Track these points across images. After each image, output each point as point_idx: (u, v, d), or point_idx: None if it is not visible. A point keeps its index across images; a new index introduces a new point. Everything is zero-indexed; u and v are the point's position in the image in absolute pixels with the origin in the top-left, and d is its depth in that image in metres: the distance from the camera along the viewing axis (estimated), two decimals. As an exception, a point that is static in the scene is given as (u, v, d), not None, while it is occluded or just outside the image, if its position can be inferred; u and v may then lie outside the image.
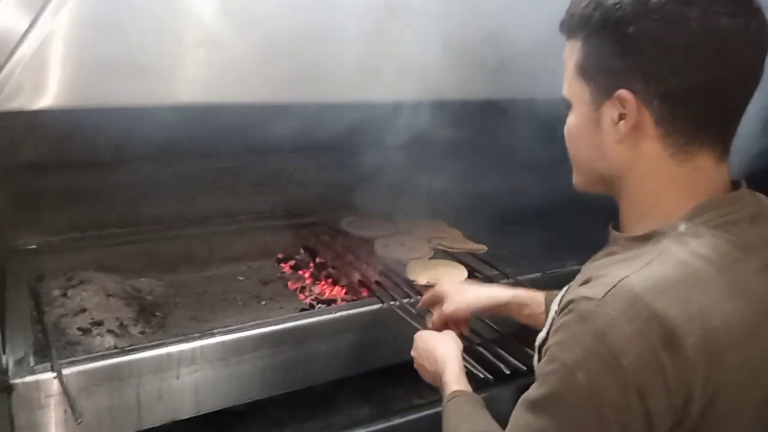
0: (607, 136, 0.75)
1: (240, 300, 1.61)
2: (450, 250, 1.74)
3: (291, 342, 1.30)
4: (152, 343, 1.20)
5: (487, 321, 1.36)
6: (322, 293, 1.63)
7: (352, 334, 1.37)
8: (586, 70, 0.75)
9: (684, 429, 0.67)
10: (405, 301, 1.41)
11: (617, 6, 0.69)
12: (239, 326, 1.28)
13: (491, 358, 1.21)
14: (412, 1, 1.24)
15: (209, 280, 1.71)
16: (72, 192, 1.63)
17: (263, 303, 1.60)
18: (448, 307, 1.22)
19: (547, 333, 0.82)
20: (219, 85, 1.16)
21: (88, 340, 1.29)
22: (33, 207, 1.59)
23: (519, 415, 0.74)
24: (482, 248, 1.75)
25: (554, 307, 0.86)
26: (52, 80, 1.00)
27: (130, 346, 1.21)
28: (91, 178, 1.66)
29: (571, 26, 0.76)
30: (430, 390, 1.53)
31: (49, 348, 1.17)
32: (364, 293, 1.53)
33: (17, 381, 1.05)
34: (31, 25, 0.96)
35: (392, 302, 1.40)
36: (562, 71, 0.81)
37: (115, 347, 1.26)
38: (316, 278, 1.70)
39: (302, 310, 1.52)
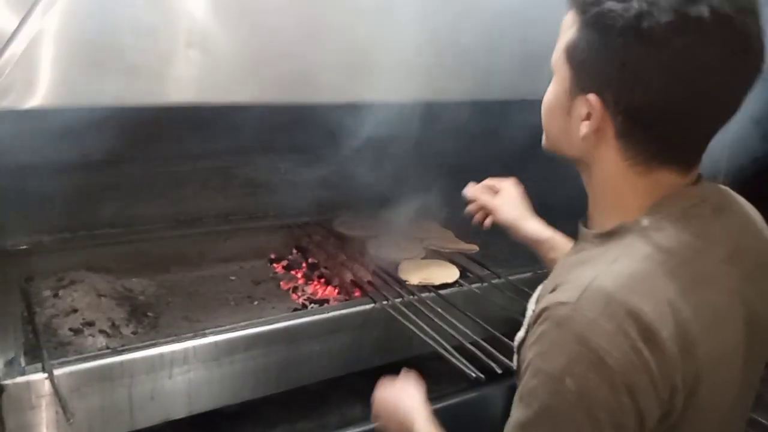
0: (574, 128, 0.76)
1: (232, 300, 1.61)
2: (442, 250, 1.75)
3: (284, 342, 1.31)
4: (144, 344, 1.20)
5: (478, 320, 1.36)
6: (314, 293, 1.63)
7: (344, 334, 1.37)
8: (573, 58, 0.75)
9: (671, 420, 0.68)
10: (397, 300, 1.41)
11: (611, 13, 0.68)
12: (232, 326, 1.28)
13: (483, 357, 1.21)
14: (406, 0, 1.24)
15: (201, 280, 1.71)
16: (63, 192, 1.62)
17: (255, 303, 1.60)
18: (495, 219, 1.26)
19: (526, 333, 0.82)
20: (210, 85, 1.15)
21: (80, 341, 1.28)
22: (23, 207, 1.58)
23: None
24: (474, 248, 1.76)
25: (530, 306, 0.86)
26: (42, 79, 0.99)
27: (122, 346, 1.21)
28: (82, 178, 1.65)
29: (574, 1, 0.74)
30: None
31: (40, 349, 1.16)
32: (357, 293, 1.54)
33: (8, 382, 1.05)
34: (21, 24, 0.96)
35: (384, 302, 1.41)
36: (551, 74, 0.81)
37: (107, 347, 1.26)
38: (308, 278, 1.70)
39: (295, 310, 1.52)
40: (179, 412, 1.22)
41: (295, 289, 1.66)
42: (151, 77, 1.08)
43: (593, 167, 0.78)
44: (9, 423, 1.05)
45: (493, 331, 1.32)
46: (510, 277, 1.55)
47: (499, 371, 1.18)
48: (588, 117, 0.74)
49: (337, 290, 1.61)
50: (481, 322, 1.36)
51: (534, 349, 0.70)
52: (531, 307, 0.85)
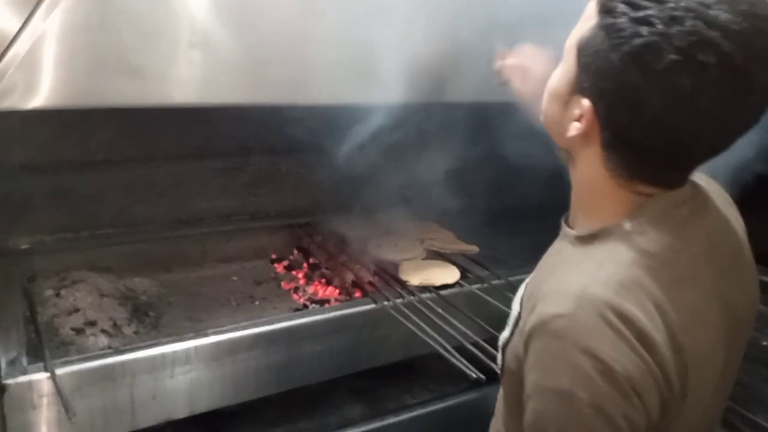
0: (566, 122, 0.76)
1: (234, 300, 1.61)
2: (442, 251, 1.75)
3: (285, 342, 1.31)
4: (146, 343, 1.20)
5: (479, 321, 1.37)
6: (315, 293, 1.63)
7: (345, 334, 1.38)
8: (581, 55, 0.72)
9: (667, 418, 0.69)
10: (398, 301, 1.42)
11: (621, 32, 0.66)
12: (233, 326, 1.28)
13: (483, 358, 1.21)
14: (406, 3, 1.24)
15: (203, 280, 1.71)
16: (65, 192, 1.63)
17: (257, 303, 1.61)
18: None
19: (511, 333, 0.83)
20: (213, 86, 1.16)
21: (82, 340, 1.29)
22: (25, 207, 1.59)
23: None
24: (474, 249, 1.76)
25: (515, 306, 0.85)
26: (44, 80, 1.00)
27: (124, 346, 1.21)
28: (84, 177, 1.66)
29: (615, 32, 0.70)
30: (422, 390, 1.55)
31: (42, 348, 1.17)
32: (358, 294, 1.54)
33: (10, 381, 1.05)
34: (24, 25, 0.96)
35: (385, 303, 1.41)
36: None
37: (109, 347, 1.26)
38: (309, 278, 1.71)
39: (296, 310, 1.53)
40: (181, 411, 1.23)
41: (296, 290, 1.66)
42: (154, 78, 1.09)
43: (578, 163, 0.78)
44: (11, 422, 1.06)
45: (493, 331, 1.32)
46: (510, 278, 1.55)
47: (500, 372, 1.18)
48: (579, 119, 0.73)
49: (338, 290, 1.62)
50: (481, 322, 1.36)
51: (536, 370, 0.69)
52: (516, 306, 0.84)
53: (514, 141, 1.32)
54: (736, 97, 0.65)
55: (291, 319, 1.34)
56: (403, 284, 1.52)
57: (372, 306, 1.41)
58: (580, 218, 0.80)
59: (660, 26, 0.63)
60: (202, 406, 1.25)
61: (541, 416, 0.69)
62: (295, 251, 1.87)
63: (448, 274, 1.57)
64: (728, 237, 0.81)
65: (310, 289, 1.65)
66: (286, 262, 1.82)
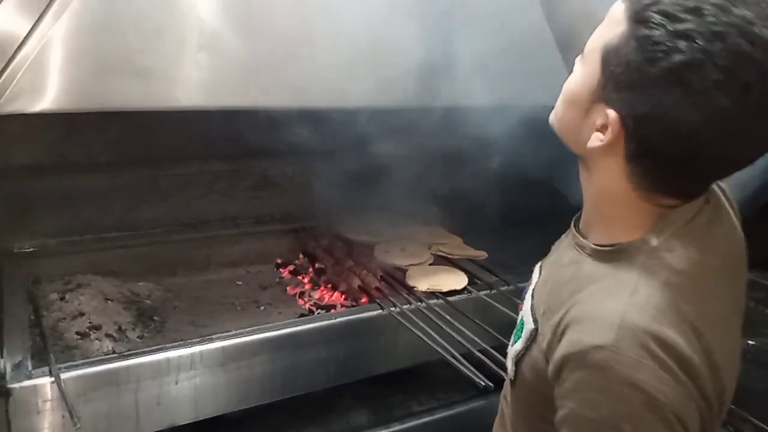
0: (586, 130, 0.73)
1: (238, 305, 1.61)
2: (450, 256, 1.74)
3: (290, 348, 1.30)
4: (151, 348, 1.19)
5: (487, 328, 1.35)
6: (321, 299, 1.62)
7: (351, 340, 1.37)
8: (608, 64, 0.69)
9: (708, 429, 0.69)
10: (405, 307, 1.40)
11: (659, 47, 0.62)
12: (239, 331, 1.27)
13: (492, 365, 1.20)
14: (414, 5, 1.24)
15: (208, 284, 1.70)
16: (70, 195, 1.63)
17: (262, 308, 1.60)
18: None
19: (525, 347, 0.80)
20: (219, 89, 1.15)
21: (86, 345, 1.28)
22: (30, 210, 1.58)
23: None
24: (482, 255, 1.75)
25: (528, 317, 0.82)
26: (51, 83, 1.00)
27: (129, 350, 1.21)
28: (89, 181, 1.66)
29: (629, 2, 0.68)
30: (429, 397, 1.54)
31: (46, 352, 1.16)
32: (364, 299, 1.53)
33: (14, 385, 1.04)
34: (33, 29, 0.96)
35: (392, 308, 1.40)
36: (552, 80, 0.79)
37: (114, 352, 1.25)
38: (315, 283, 1.70)
39: (301, 315, 1.51)
40: (185, 417, 1.22)
41: (301, 295, 1.65)
42: (161, 80, 1.09)
43: (595, 172, 0.76)
44: (15, 427, 1.05)
45: (501, 338, 1.30)
46: (519, 284, 1.53)
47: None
48: (602, 129, 0.70)
49: (344, 296, 1.60)
50: (489, 329, 1.34)
51: (575, 399, 0.68)
52: (529, 319, 0.82)
53: (524, 146, 1.31)
54: None
55: (296, 324, 1.33)
56: (410, 290, 1.51)
57: (379, 312, 1.40)
58: (597, 228, 0.78)
59: (701, 42, 0.60)
60: (207, 411, 1.24)
61: None
62: (301, 256, 1.86)
63: (456, 280, 1.56)
64: (737, 239, 0.80)
65: (316, 295, 1.64)
66: (291, 267, 1.81)
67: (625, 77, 0.67)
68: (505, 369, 1.17)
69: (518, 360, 0.83)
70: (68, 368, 1.10)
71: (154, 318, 1.47)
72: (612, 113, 0.68)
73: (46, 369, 1.09)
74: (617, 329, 0.65)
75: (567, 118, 0.77)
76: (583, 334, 0.68)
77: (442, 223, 1.93)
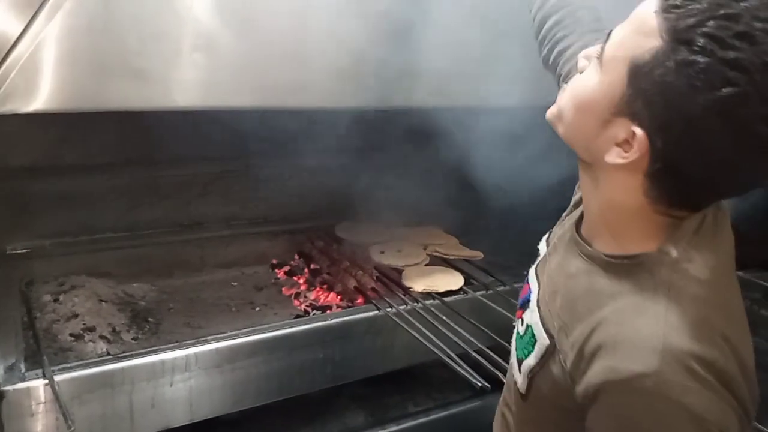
0: (602, 142, 0.69)
1: (234, 306, 1.60)
2: (446, 257, 1.74)
3: (286, 349, 1.29)
4: (145, 350, 1.19)
5: (483, 328, 1.35)
6: (317, 299, 1.62)
7: (347, 341, 1.36)
8: (637, 79, 0.65)
9: None
10: (401, 308, 1.40)
11: (702, 75, 0.59)
12: (234, 333, 1.26)
13: (488, 366, 1.20)
14: (410, 8, 1.24)
15: (203, 285, 1.70)
16: (64, 196, 1.62)
17: (257, 309, 1.59)
18: None
19: (540, 363, 0.78)
20: (215, 89, 1.15)
21: (80, 347, 1.27)
22: (25, 211, 1.57)
23: None
24: (478, 255, 1.75)
25: (542, 334, 0.79)
26: (46, 83, 0.99)
27: (123, 352, 1.20)
28: (84, 182, 1.65)
29: (666, 16, 0.63)
30: (426, 398, 1.54)
31: (40, 354, 1.15)
32: (360, 300, 1.52)
33: (8, 388, 1.04)
34: (26, 28, 0.95)
35: (388, 309, 1.39)
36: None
37: (108, 354, 1.24)
38: (311, 284, 1.69)
39: (297, 316, 1.51)
40: (180, 419, 1.21)
41: (297, 296, 1.65)
42: (156, 81, 1.08)
43: (605, 182, 0.73)
44: (9, 430, 1.04)
45: (498, 339, 1.31)
46: (515, 285, 1.53)
47: (505, 380, 1.16)
48: (623, 145, 0.67)
49: (339, 297, 1.60)
50: (486, 330, 1.34)
51: (617, 425, 0.67)
52: (542, 334, 0.79)
53: (520, 145, 1.31)
54: None
55: (292, 325, 1.32)
56: (406, 290, 1.50)
57: (374, 313, 1.39)
58: (604, 237, 0.75)
59: (754, 74, 0.58)
60: (202, 413, 1.23)
61: None
62: (297, 256, 1.85)
63: (452, 281, 1.56)
64: (731, 235, 0.79)
65: (312, 295, 1.64)
66: (287, 268, 1.80)
67: (660, 98, 0.63)
68: (501, 369, 1.18)
69: (533, 375, 0.80)
70: (62, 370, 1.09)
71: (149, 319, 1.47)
72: (639, 131, 0.65)
73: (39, 371, 1.08)
74: (660, 354, 0.63)
75: (579, 125, 0.73)
76: (622, 360, 0.66)
77: (438, 224, 1.93)
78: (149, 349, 1.19)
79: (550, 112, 0.79)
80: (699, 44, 0.59)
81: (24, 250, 1.58)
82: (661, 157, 0.65)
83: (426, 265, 1.68)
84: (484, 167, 1.54)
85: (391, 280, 1.56)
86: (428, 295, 1.49)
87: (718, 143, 0.61)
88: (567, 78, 0.89)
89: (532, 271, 0.89)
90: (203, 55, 1.10)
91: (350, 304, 1.53)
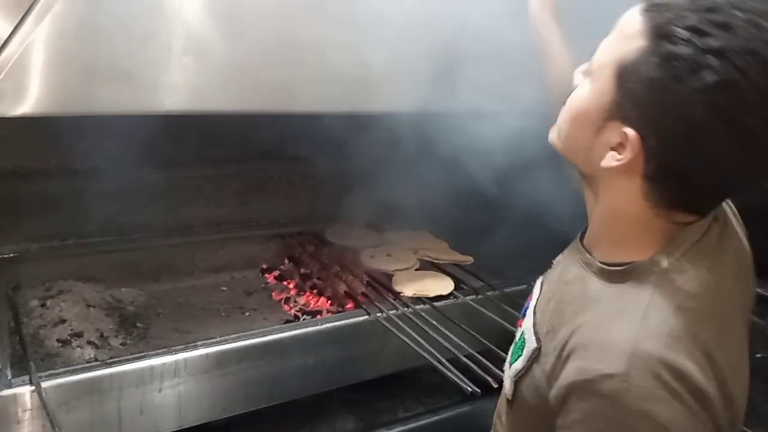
0: (598, 149, 0.70)
1: (223, 311, 1.59)
2: (436, 261, 1.74)
3: (276, 354, 1.29)
4: (134, 356, 1.17)
5: (473, 333, 1.35)
6: (307, 304, 1.61)
7: (337, 346, 1.36)
8: (625, 81, 0.66)
9: None
10: (391, 312, 1.40)
11: (686, 66, 0.60)
12: (223, 338, 1.26)
13: (478, 370, 1.20)
14: (401, 10, 1.24)
15: (192, 290, 1.68)
16: (52, 199, 1.60)
17: (247, 314, 1.58)
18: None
19: (526, 367, 0.78)
20: (205, 93, 1.14)
21: (68, 352, 1.26)
22: (11, 214, 1.56)
23: None
24: (468, 260, 1.75)
25: (531, 337, 0.80)
26: (34, 86, 0.98)
27: (111, 358, 1.19)
28: (72, 185, 1.63)
29: (649, 19, 0.64)
30: (416, 402, 1.53)
31: (27, 360, 1.14)
32: (350, 305, 1.52)
33: (-6, 394, 1.02)
34: (14, 31, 0.94)
35: (378, 314, 1.39)
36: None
37: (96, 359, 1.23)
38: (301, 289, 1.68)
39: (287, 321, 1.50)
40: (169, 426, 1.20)
41: (287, 300, 1.64)
42: (145, 84, 1.07)
43: (605, 191, 0.73)
44: (-6, 437, 1.03)
45: (488, 343, 1.31)
46: (505, 289, 1.54)
47: (495, 385, 1.16)
48: (618, 148, 0.68)
49: (330, 301, 1.60)
50: (476, 334, 1.35)
51: (580, 429, 0.66)
52: (531, 338, 0.79)
53: (511, 150, 1.31)
54: None
55: (282, 330, 1.32)
56: (396, 295, 1.50)
57: (365, 317, 1.39)
58: (604, 245, 0.76)
59: (737, 60, 0.58)
60: (191, 419, 1.22)
61: None
62: (287, 261, 1.84)
63: (443, 285, 1.56)
64: (744, 250, 0.78)
65: (302, 300, 1.63)
66: (277, 272, 1.79)
67: (647, 95, 0.64)
68: (491, 374, 1.18)
69: (518, 379, 0.80)
70: (49, 376, 1.08)
71: (137, 324, 1.45)
72: (631, 132, 0.65)
73: (26, 377, 1.06)
74: (629, 357, 0.63)
75: (575, 136, 0.74)
76: (591, 361, 0.65)
77: (428, 228, 1.93)
78: (138, 355, 1.17)
79: (551, 134, 0.80)
80: (680, 36, 0.60)
81: (11, 255, 1.56)
82: (656, 155, 0.65)
83: (416, 269, 1.68)
84: (474, 172, 1.55)
85: (382, 285, 1.56)
86: (419, 299, 1.49)
87: (709, 135, 0.61)
88: None
89: (539, 280, 0.89)
90: (193, 59, 1.09)
91: (340, 309, 1.53)
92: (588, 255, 0.77)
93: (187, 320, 1.51)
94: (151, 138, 1.58)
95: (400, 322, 1.35)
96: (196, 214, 1.83)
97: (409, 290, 1.52)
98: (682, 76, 0.60)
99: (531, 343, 0.79)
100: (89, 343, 1.29)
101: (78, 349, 1.27)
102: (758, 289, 0.81)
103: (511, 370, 0.83)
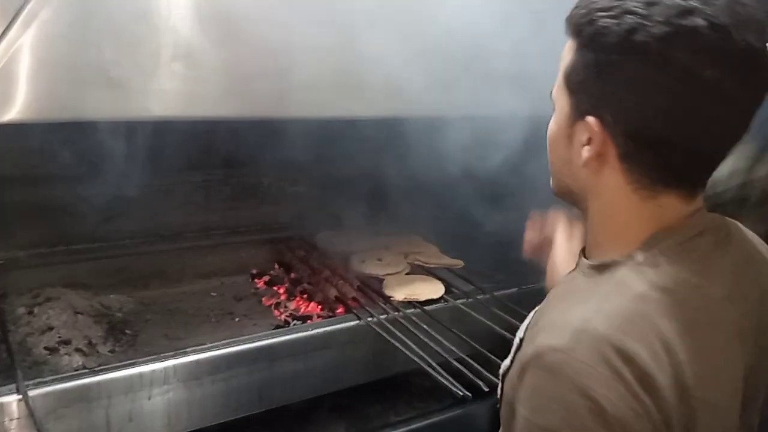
0: (575, 156, 0.73)
1: (213, 317, 1.58)
2: (427, 265, 1.74)
3: (266, 360, 1.28)
4: (122, 363, 1.16)
5: (464, 337, 1.36)
6: (297, 309, 1.61)
7: (328, 351, 1.35)
8: (570, 81, 0.73)
9: None
10: (382, 317, 1.40)
11: (605, 30, 0.66)
12: (213, 344, 1.25)
13: (469, 374, 1.20)
14: (393, 16, 1.24)
15: (181, 296, 1.67)
16: (40, 206, 1.59)
17: (237, 320, 1.58)
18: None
19: (511, 361, 0.78)
20: (194, 99, 1.14)
21: (56, 360, 1.25)
22: (-2, 221, 1.55)
23: None
24: (459, 263, 1.75)
25: (519, 334, 0.81)
26: (21, 93, 0.97)
27: (100, 365, 1.17)
28: (60, 191, 1.62)
29: (569, 27, 0.72)
30: (407, 407, 1.53)
31: (14, 368, 1.13)
32: (341, 309, 1.52)
33: (-20, 404, 1.01)
34: (1, 37, 0.94)
35: (369, 319, 1.39)
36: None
37: (84, 367, 1.22)
38: (291, 294, 1.68)
39: (277, 327, 1.50)
40: (159, 433, 1.19)
41: (277, 306, 1.63)
42: (134, 90, 1.07)
43: (595, 197, 0.75)
44: (-20, 447, 1.02)
45: (479, 347, 1.31)
46: (496, 293, 1.54)
47: (486, 389, 1.17)
48: (589, 142, 0.71)
49: (320, 306, 1.59)
50: (466, 338, 1.35)
51: (527, 404, 0.65)
52: (519, 334, 0.81)
53: (501, 154, 1.32)
54: (739, 70, 0.64)
55: (272, 336, 1.31)
56: (387, 299, 1.50)
57: (355, 322, 1.39)
58: (596, 251, 0.77)
59: (641, 10, 0.64)
60: (181, 427, 1.21)
61: None
62: (276, 266, 1.84)
63: (433, 289, 1.56)
64: (758, 276, 0.76)
65: (292, 305, 1.63)
66: (267, 278, 1.79)
67: (588, 80, 0.69)
68: (482, 378, 1.19)
69: (503, 376, 0.80)
70: (36, 385, 1.06)
71: (126, 331, 1.44)
72: (590, 119, 0.70)
73: (13, 386, 1.05)
74: (577, 333, 0.63)
75: (557, 161, 0.79)
76: (544, 338, 0.66)
77: (418, 232, 1.93)
78: (127, 362, 1.16)
79: (551, 186, 0.83)
80: (594, 17, 0.67)
81: (-2, 262, 1.55)
82: (619, 131, 0.69)
83: (407, 273, 1.68)
84: (464, 175, 1.56)
85: (372, 290, 1.56)
86: (409, 303, 1.49)
87: (648, 89, 0.65)
88: None
89: None
90: (182, 65, 1.09)
91: (331, 314, 1.52)
92: (583, 258, 0.79)
93: (176, 326, 1.50)
94: (139, 144, 1.57)
95: (391, 327, 1.35)
96: (185, 219, 1.83)
97: (399, 294, 1.52)
98: (606, 41, 0.66)
99: (517, 339, 0.80)
100: (77, 350, 1.28)
101: (66, 356, 1.26)
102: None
103: (501, 367, 0.83)
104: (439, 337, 1.33)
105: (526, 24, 1.21)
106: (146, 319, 1.53)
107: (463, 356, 1.27)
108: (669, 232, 0.71)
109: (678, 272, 0.68)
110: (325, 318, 1.50)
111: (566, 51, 0.73)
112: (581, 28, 0.69)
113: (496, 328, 1.37)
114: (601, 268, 0.72)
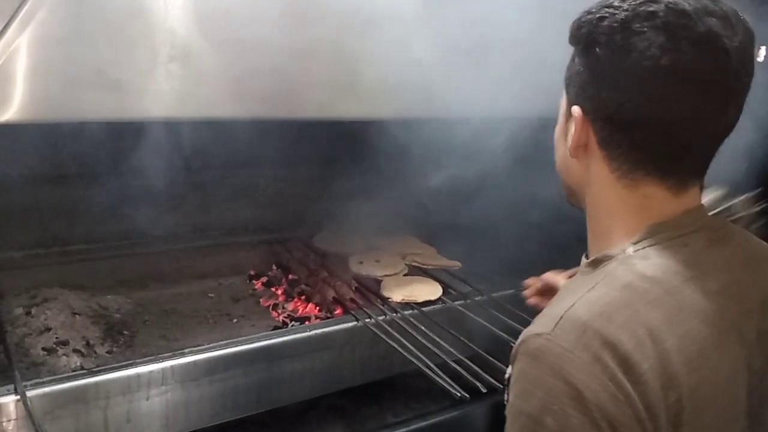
0: (570, 150, 0.77)
1: (211, 318, 1.58)
2: (424, 266, 1.74)
3: (264, 361, 1.28)
4: (120, 364, 1.16)
5: (462, 338, 1.36)
6: (295, 310, 1.61)
7: (326, 352, 1.35)
8: (566, 80, 0.78)
9: None
10: (380, 318, 1.40)
11: (583, 23, 0.72)
12: (211, 345, 1.25)
13: (467, 375, 1.20)
14: (394, 17, 1.24)
15: (179, 297, 1.67)
16: (36, 207, 1.59)
17: (235, 321, 1.58)
18: None
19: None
20: (191, 100, 1.14)
21: (53, 361, 1.25)
22: (-5, 222, 1.54)
23: None
24: (456, 265, 1.75)
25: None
26: (18, 93, 0.97)
27: (97, 366, 1.17)
28: (57, 192, 1.62)
29: (569, 33, 0.77)
30: (404, 408, 1.53)
31: (11, 369, 1.12)
32: (338, 311, 1.52)
33: (-23, 405, 1.01)
34: (-2, 37, 0.94)
35: (367, 320, 1.39)
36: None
37: (82, 368, 1.22)
38: (289, 295, 1.68)
39: (275, 328, 1.50)
40: (156, 434, 1.19)
41: (275, 307, 1.63)
42: (131, 91, 1.07)
43: (588, 191, 0.78)
44: (-22, 448, 1.02)
45: (476, 348, 1.32)
46: (493, 294, 1.54)
47: (484, 390, 1.17)
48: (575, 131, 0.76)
49: (318, 308, 1.59)
50: (464, 339, 1.35)
51: (513, 390, 0.66)
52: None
53: (498, 157, 1.32)
54: (702, 56, 0.65)
55: (270, 337, 1.31)
56: (385, 301, 1.50)
57: (353, 323, 1.39)
58: (595, 245, 0.79)
59: (616, 2, 0.69)
60: (179, 428, 1.21)
61: None
62: (274, 267, 1.84)
63: (431, 291, 1.56)
64: (759, 277, 0.75)
65: (290, 306, 1.63)
66: (264, 279, 1.79)
67: (572, 73, 0.76)
68: (480, 379, 1.19)
69: (507, 381, 0.80)
70: (34, 386, 1.06)
71: (124, 332, 1.44)
72: (574, 108, 0.75)
73: (11, 387, 1.05)
74: (559, 319, 0.64)
75: (558, 161, 0.83)
76: (531, 326, 0.68)
77: (416, 233, 1.93)
78: (124, 363, 1.16)
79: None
80: (582, 20, 0.73)
81: (-6, 263, 1.54)
82: (597, 117, 0.73)
83: (404, 275, 1.69)
84: (461, 177, 1.56)
85: (370, 291, 1.56)
86: (407, 305, 1.49)
87: (615, 75, 0.69)
88: None
89: None
90: (179, 66, 1.09)
91: (329, 315, 1.52)
92: (583, 258, 0.80)
93: (174, 327, 1.50)
94: (135, 145, 1.57)
95: (388, 328, 1.35)
96: (183, 220, 1.82)
97: (397, 296, 1.52)
98: (581, 33, 0.72)
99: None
100: (75, 351, 1.28)
101: (64, 357, 1.26)
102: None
103: (506, 374, 0.83)
104: (437, 339, 1.33)
105: (526, 25, 1.21)
106: (144, 320, 1.53)
107: (461, 357, 1.27)
108: (662, 227, 0.72)
109: (668, 264, 0.69)
110: (323, 319, 1.50)
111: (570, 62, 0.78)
112: (573, 31, 0.75)
113: (494, 329, 1.38)
114: (596, 263, 0.73)
